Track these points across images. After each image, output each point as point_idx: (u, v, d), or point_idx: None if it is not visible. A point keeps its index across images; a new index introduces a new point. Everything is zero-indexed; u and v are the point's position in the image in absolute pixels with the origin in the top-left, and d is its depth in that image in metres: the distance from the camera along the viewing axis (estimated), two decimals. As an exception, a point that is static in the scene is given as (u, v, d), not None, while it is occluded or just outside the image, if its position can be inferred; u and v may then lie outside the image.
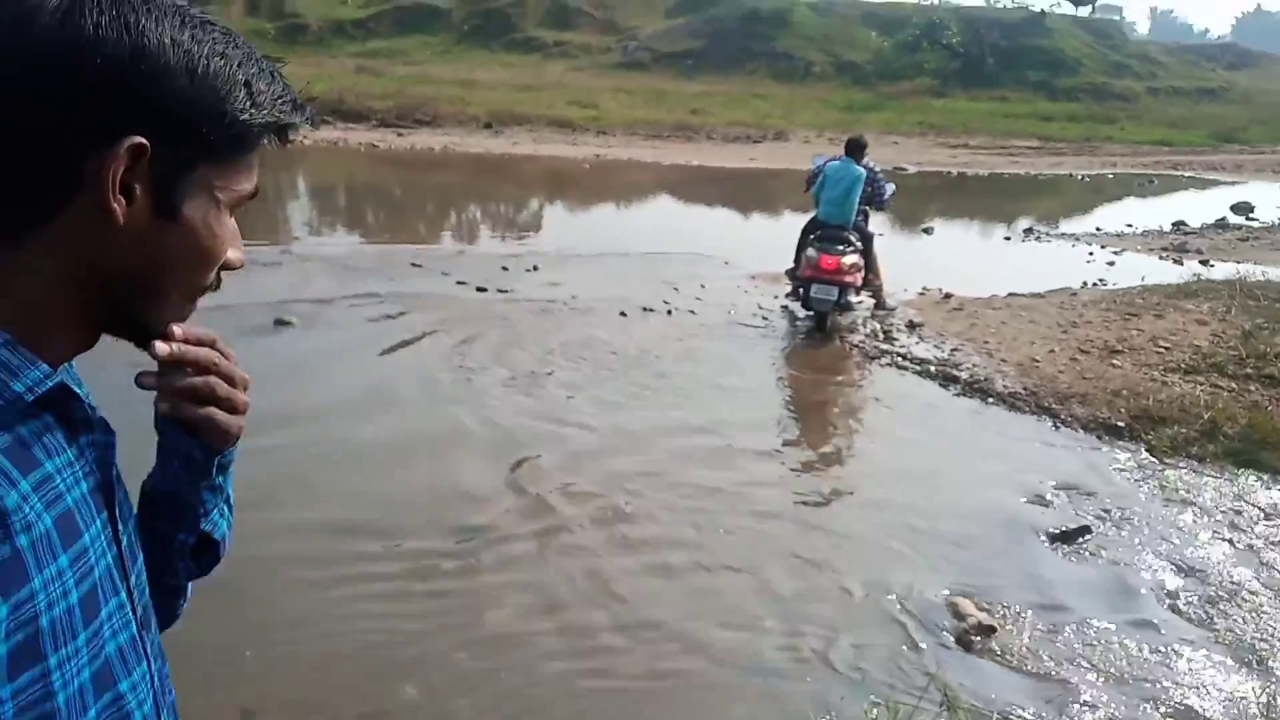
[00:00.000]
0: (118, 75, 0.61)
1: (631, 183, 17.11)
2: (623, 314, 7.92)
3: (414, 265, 9.17)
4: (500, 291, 8.43)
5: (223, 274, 0.73)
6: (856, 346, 7.36)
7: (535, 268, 9.32)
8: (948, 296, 8.85)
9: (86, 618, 0.64)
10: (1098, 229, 13.40)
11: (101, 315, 0.69)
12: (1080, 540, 4.49)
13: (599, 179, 17.17)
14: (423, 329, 7.09)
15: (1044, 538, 4.50)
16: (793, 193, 15.82)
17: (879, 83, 33.34)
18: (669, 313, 8.07)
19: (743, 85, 32.26)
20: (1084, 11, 41.53)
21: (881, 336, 7.56)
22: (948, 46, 33.32)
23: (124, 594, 0.70)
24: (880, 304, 8.32)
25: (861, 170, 7.86)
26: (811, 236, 7.92)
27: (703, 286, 9.01)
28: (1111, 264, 10.81)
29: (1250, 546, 4.52)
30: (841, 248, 7.54)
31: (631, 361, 6.68)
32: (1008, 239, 12.45)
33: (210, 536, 0.87)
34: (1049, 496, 4.93)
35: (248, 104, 0.68)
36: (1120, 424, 5.82)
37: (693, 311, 8.16)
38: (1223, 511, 4.85)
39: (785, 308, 8.36)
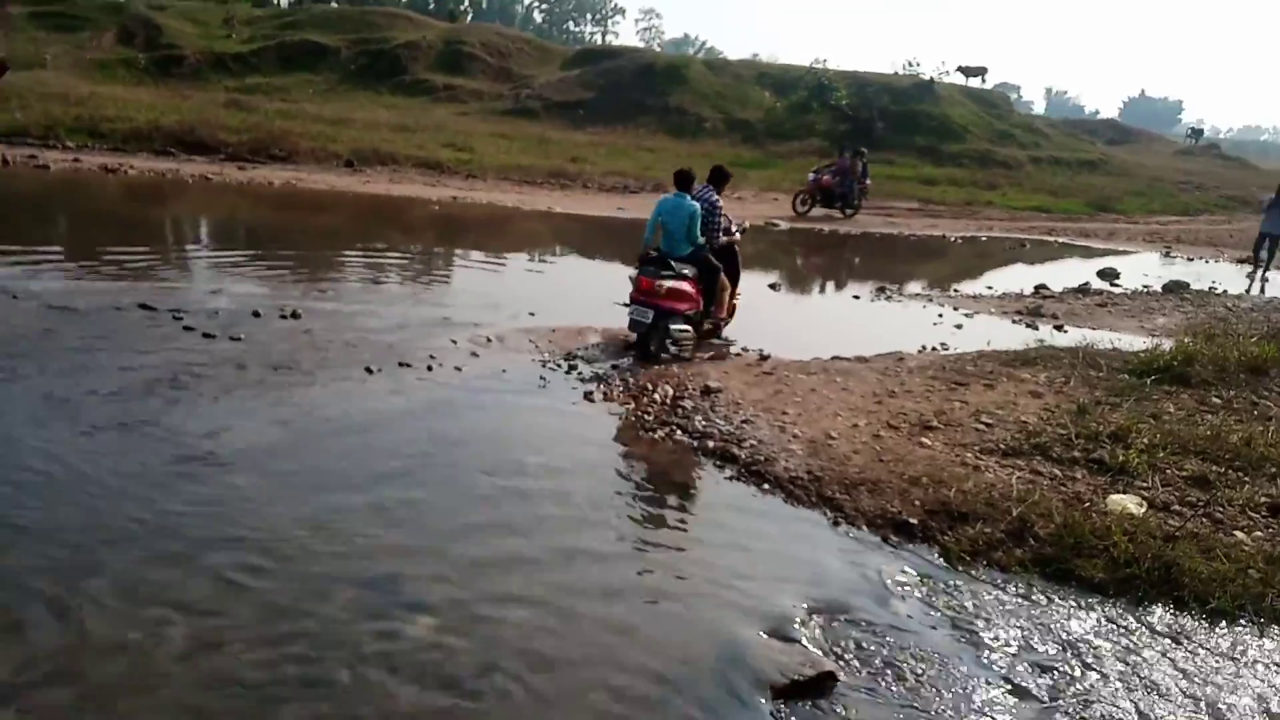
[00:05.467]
0: None
1: (473, 226, 15.84)
2: (369, 370, 6.59)
3: (143, 307, 7.67)
4: (233, 339, 7.01)
5: None
6: (637, 416, 6.14)
7: (295, 314, 7.90)
8: (764, 358, 7.75)
9: None
10: (955, 290, 12.63)
11: None
12: (815, 697, 3.28)
13: (439, 221, 15.85)
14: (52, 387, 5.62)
15: (767, 694, 3.27)
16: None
17: (769, 141, 33.08)
18: (429, 369, 6.77)
19: (632, 138, 31.59)
20: (975, 83, 42.35)
21: (669, 404, 6.38)
22: (837, 108, 33.29)
23: None
24: (715, 331, 8.27)
25: (694, 204, 7.79)
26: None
27: (489, 340, 7.74)
28: (960, 326, 9.93)
29: (1041, 704, 3.37)
30: (661, 270, 7.50)
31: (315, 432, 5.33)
32: (857, 298, 11.54)
33: None
34: (797, 625, 3.73)
35: None
36: (913, 520, 4.70)
37: (459, 368, 6.87)
38: (1016, 647, 3.71)
39: (573, 369, 7.15)
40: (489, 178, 21.90)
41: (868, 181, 21.30)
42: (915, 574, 4.27)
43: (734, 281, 8.40)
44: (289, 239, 12.87)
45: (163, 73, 34.71)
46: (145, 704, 2.93)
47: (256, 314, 7.82)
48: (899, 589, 4.13)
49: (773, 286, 11.84)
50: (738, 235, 8.47)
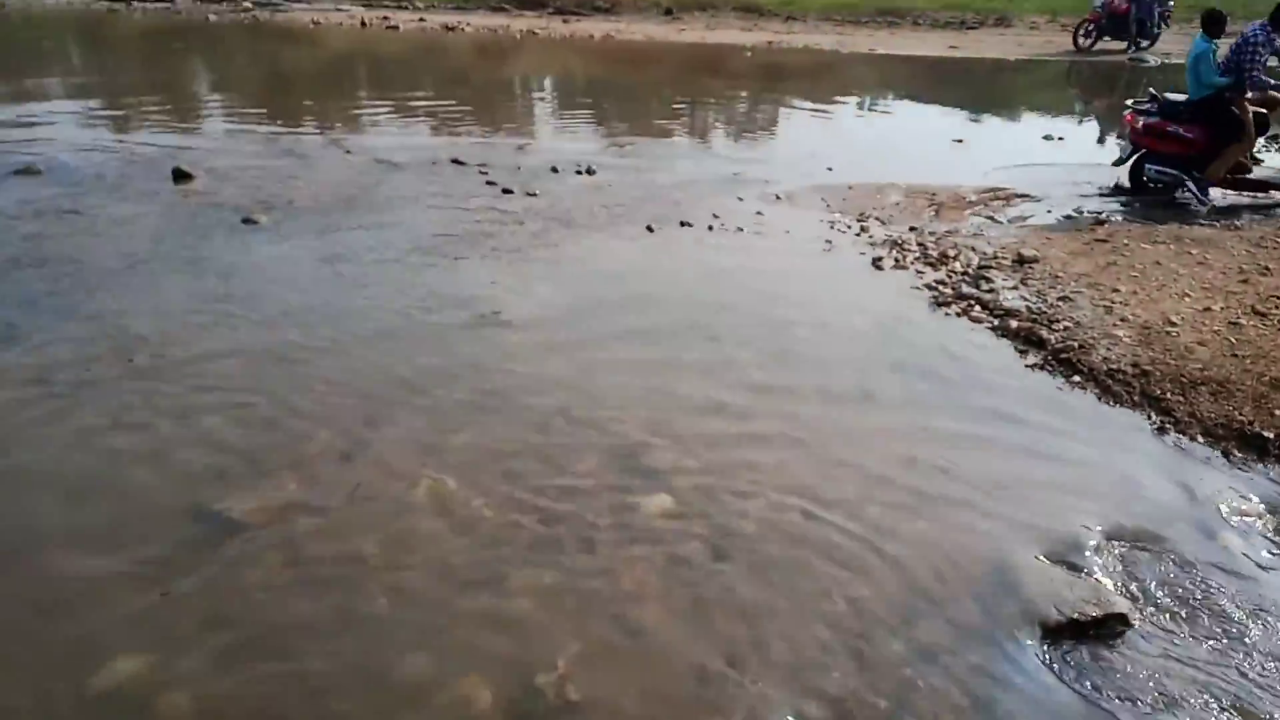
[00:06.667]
0: None
1: (784, 73, 14.99)
2: (649, 229, 6.45)
3: (455, 162, 8.08)
4: (529, 195, 7.20)
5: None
6: (931, 287, 5.49)
7: (590, 170, 7.94)
8: (1100, 223, 6.61)
9: None
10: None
11: None
12: (1096, 642, 2.74)
13: (750, 69, 15.18)
14: (372, 245, 6.00)
15: (1036, 631, 2.78)
16: (976, 88, 13.27)
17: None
18: (710, 228, 6.50)
19: (976, -35, 28.20)
20: None
21: (971, 274, 5.63)
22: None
23: None
24: (1199, 196, 7.35)
25: (1203, 44, 7.19)
26: None
27: (777, 198, 7.31)
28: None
29: None
30: (1148, 107, 7.53)
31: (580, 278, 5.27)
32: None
33: None
34: (1089, 552, 3.13)
35: None
36: (1268, 434, 3.78)
37: (740, 228, 6.53)
38: (1394, 614, 2.87)
39: (864, 230, 6.54)
40: (809, 19, 20.66)
41: (1171, 4, 16.94)
42: (1260, 502, 3.44)
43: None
44: (599, 93, 12.99)
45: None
46: (391, 559, 3.06)
47: (555, 169, 7.95)
48: (1235, 519, 3.35)
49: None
50: None
